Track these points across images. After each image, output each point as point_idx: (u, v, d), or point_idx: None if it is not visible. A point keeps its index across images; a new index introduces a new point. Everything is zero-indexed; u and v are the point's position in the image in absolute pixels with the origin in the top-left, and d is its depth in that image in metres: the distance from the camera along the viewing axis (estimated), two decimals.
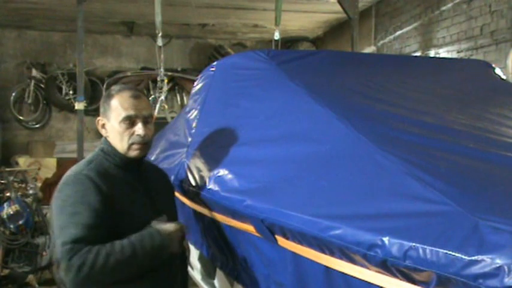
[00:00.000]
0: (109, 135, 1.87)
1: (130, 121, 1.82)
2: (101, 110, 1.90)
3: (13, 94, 8.77)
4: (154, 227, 1.77)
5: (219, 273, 2.45)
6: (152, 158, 3.30)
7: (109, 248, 1.65)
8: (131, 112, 1.82)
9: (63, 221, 1.69)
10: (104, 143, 1.89)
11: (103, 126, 1.89)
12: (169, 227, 1.80)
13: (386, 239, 1.29)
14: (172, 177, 2.62)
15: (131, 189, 1.85)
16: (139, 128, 1.83)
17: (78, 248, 1.62)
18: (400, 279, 1.28)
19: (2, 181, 5.50)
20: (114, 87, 1.93)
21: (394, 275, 1.29)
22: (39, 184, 6.22)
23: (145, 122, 1.85)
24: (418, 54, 6.50)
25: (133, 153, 1.85)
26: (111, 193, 1.75)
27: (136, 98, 1.85)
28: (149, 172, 2.01)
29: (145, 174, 1.96)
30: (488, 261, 1.10)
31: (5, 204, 5.01)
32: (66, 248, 1.62)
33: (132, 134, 1.83)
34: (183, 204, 2.56)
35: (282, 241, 1.72)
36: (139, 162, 1.92)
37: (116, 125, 1.83)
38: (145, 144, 1.87)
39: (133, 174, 1.89)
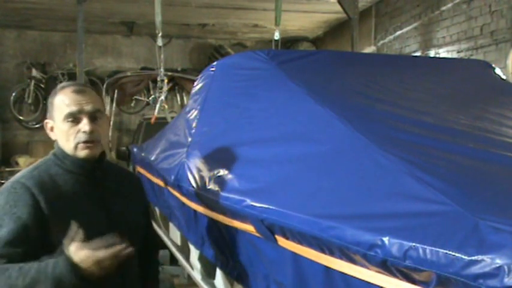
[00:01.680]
0: (57, 137, 1.69)
1: (74, 118, 1.63)
2: (48, 111, 1.72)
3: (13, 94, 8.79)
4: (70, 260, 1.44)
5: (219, 273, 2.45)
6: (152, 158, 3.30)
7: (16, 275, 1.46)
8: (73, 108, 1.63)
9: None
10: (55, 146, 1.72)
11: (51, 129, 1.70)
12: (90, 255, 1.45)
13: (386, 239, 1.29)
14: (172, 177, 2.62)
15: (78, 199, 1.66)
16: (84, 125, 1.63)
17: None
18: (400, 279, 1.28)
19: (2, 181, 5.51)
20: (60, 84, 1.75)
21: (394, 275, 1.29)
22: None
23: (93, 118, 1.65)
24: (418, 54, 6.51)
25: (81, 153, 1.65)
26: (49, 205, 1.57)
27: (79, 93, 1.65)
28: (112, 177, 1.81)
29: (105, 179, 1.76)
30: (488, 261, 1.10)
31: None
32: None
33: (78, 132, 1.64)
34: (183, 204, 2.56)
35: (282, 241, 1.72)
36: (96, 166, 1.72)
37: (60, 125, 1.65)
38: (94, 142, 1.66)
39: (87, 181, 1.69)
